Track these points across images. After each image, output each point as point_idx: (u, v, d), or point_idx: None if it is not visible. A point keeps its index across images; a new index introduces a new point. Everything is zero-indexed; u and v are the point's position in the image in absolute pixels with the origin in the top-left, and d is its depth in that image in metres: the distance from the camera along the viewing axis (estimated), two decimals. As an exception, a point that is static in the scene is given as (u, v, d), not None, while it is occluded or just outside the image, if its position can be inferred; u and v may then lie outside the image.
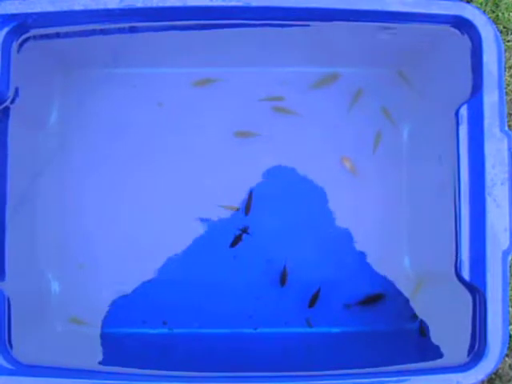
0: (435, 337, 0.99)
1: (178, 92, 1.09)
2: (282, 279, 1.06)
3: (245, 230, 1.07)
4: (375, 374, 0.86)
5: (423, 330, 1.03)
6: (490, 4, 1.12)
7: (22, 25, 0.88)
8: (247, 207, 1.07)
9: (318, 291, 1.06)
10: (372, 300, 1.06)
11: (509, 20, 1.13)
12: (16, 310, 0.92)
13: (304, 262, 1.07)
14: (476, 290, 0.87)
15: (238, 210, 1.07)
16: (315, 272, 1.07)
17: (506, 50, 1.09)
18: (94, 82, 1.08)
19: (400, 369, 0.88)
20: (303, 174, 1.08)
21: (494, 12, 1.13)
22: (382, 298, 1.07)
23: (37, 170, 1.04)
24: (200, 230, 1.07)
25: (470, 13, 0.87)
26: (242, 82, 1.08)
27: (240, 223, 1.07)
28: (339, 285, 1.07)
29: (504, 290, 0.84)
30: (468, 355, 0.86)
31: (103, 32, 0.94)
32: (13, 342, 0.89)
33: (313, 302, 1.06)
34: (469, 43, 0.90)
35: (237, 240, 1.06)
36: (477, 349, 0.86)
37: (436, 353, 0.95)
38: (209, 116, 1.09)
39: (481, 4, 1.12)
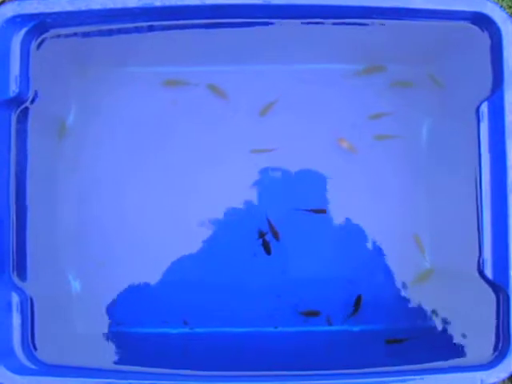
0: (457, 335, 0.99)
1: (193, 90, 1.08)
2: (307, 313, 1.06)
3: (263, 234, 1.06)
4: (399, 373, 0.86)
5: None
6: (506, 0, 1.12)
7: (40, 24, 0.88)
8: (275, 233, 1.06)
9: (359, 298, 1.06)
10: None
11: (525, 16, 1.12)
12: (38, 310, 0.92)
13: (321, 261, 1.07)
14: (499, 288, 0.87)
15: (257, 208, 1.07)
16: (333, 271, 1.07)
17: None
18: (110, 81, 1.08)
19: (424, 367, 0.88)
20: (319, 172, 1.08)
21: (510, 7, 1.12)
22: None
23: (55, 169, 1.04)
24: (220, 229, 1.07)
25: (490, 9, 0.87)
26: (250, 81, 1.08)
27: (259, 222, 1.07)
28: (357, 283, 1.07)
29: (527, 289, 0.84)
30: (492, 354, 0.87)
31: (120, 31, 0.94)
32: (36, 343, 0.89)
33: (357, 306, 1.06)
34: (488, 40, 0.89)
35: (266, 245, 1.06)
36: (500, 347, 0.86)
37: (458, 351, 0.95)
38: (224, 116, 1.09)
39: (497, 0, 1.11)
